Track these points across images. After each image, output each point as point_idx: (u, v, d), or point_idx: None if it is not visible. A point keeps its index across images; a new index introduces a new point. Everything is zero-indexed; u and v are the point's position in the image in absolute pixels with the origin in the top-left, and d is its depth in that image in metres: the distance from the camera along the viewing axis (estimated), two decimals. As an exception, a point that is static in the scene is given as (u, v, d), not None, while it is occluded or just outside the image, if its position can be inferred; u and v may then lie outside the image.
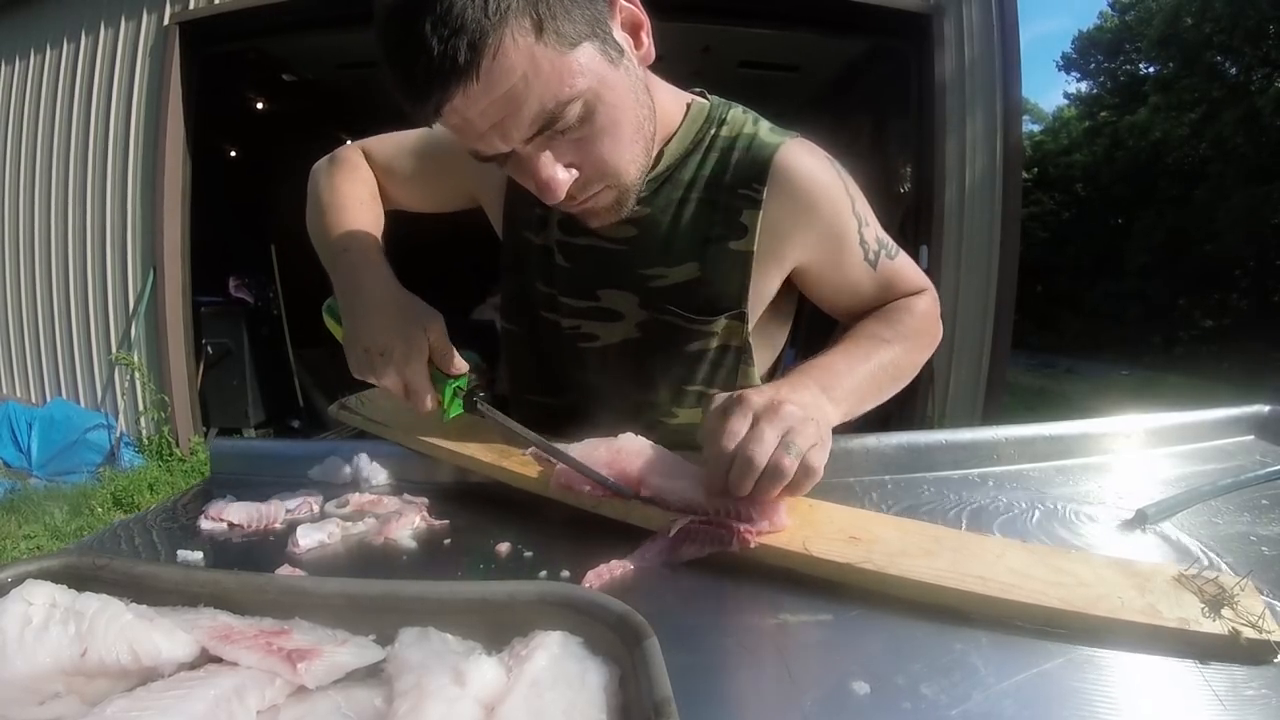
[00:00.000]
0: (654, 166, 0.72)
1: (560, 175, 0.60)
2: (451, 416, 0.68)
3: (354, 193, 0.83)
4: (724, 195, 0.73)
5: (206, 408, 4.33)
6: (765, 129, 0.74)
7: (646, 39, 0.63)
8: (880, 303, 0.80)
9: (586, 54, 0.56)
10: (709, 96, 0.78)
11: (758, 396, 0.55)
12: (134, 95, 3.92)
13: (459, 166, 0.83)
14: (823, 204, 0.72)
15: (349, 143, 0.90)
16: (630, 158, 0.64)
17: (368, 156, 0.89)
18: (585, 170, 0.61)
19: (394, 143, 0.88)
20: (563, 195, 0.60)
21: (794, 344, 0.92)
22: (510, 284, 0.86)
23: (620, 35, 0.60)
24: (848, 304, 0.81)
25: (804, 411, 0.55)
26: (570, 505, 0.61)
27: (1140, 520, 0.62)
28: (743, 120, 0.75)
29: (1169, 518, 0.62)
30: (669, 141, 0.73)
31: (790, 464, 0.51)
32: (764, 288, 0.77)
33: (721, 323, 0.76)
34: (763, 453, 0.51)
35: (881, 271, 0.78)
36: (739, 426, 0.53)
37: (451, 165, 0.84)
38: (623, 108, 0.60)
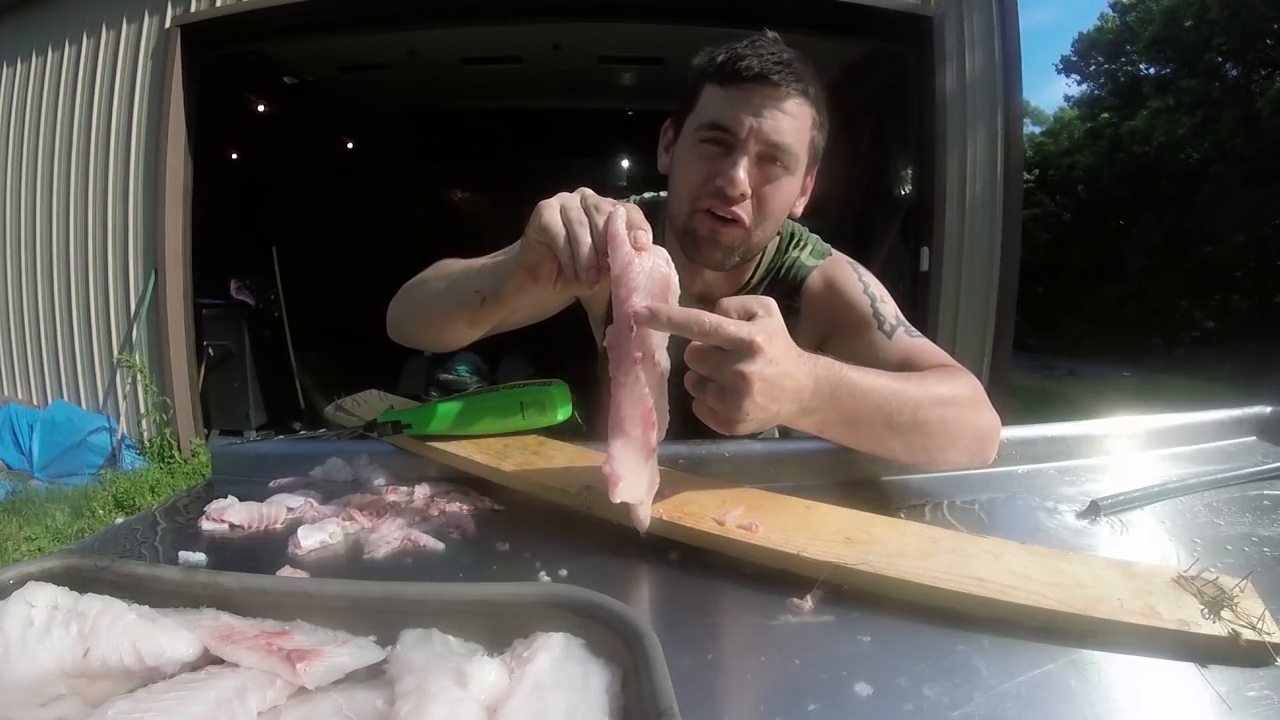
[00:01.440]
0: (747, 282, 0.93)
1: (747, 179, 0.79)
2: (383, 420, 0.76)
3: (449, 261, 0.85)
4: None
5: (208, 410, 4.33)
6: (808, 253, 0.94)
7: (803, 204, 0.90)
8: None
9: (808, 159, 0.84)
10: (783, 225, 0.94)
11: (761, 364, 0.53)
12: (135, 98, 3.92)
13: None
14: (839, 295, 0.89)
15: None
16: (768, 226, 0.85)
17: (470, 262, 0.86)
18: (752, 199, 0.81)
19: (496, 254, 0.85)
20: (743, 189, 0.79)
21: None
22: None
23: (805, 181, 0.88)
24: None
25: (769, 395, 0.55)
26: (567, 505, 0.61)
27: (1094, 511, 0.63)
28: (797, 253, 0.94)
29: (1123, 511, 0.63)
30: (760, 263, 0.94)
31: (716, 407, 0.55)
32: None
33: None
34: (712, 394, 0.55)
35: (899, 342, 0.81)
36: (728, 366, 0.53)
37: None
38: (787, 196, 0.84)
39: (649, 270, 0.54)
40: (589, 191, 0.60)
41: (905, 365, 0.77)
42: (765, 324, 0.54)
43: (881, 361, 0.79)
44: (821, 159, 0.88)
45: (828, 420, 0.62)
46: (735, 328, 0.53)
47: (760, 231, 0.84)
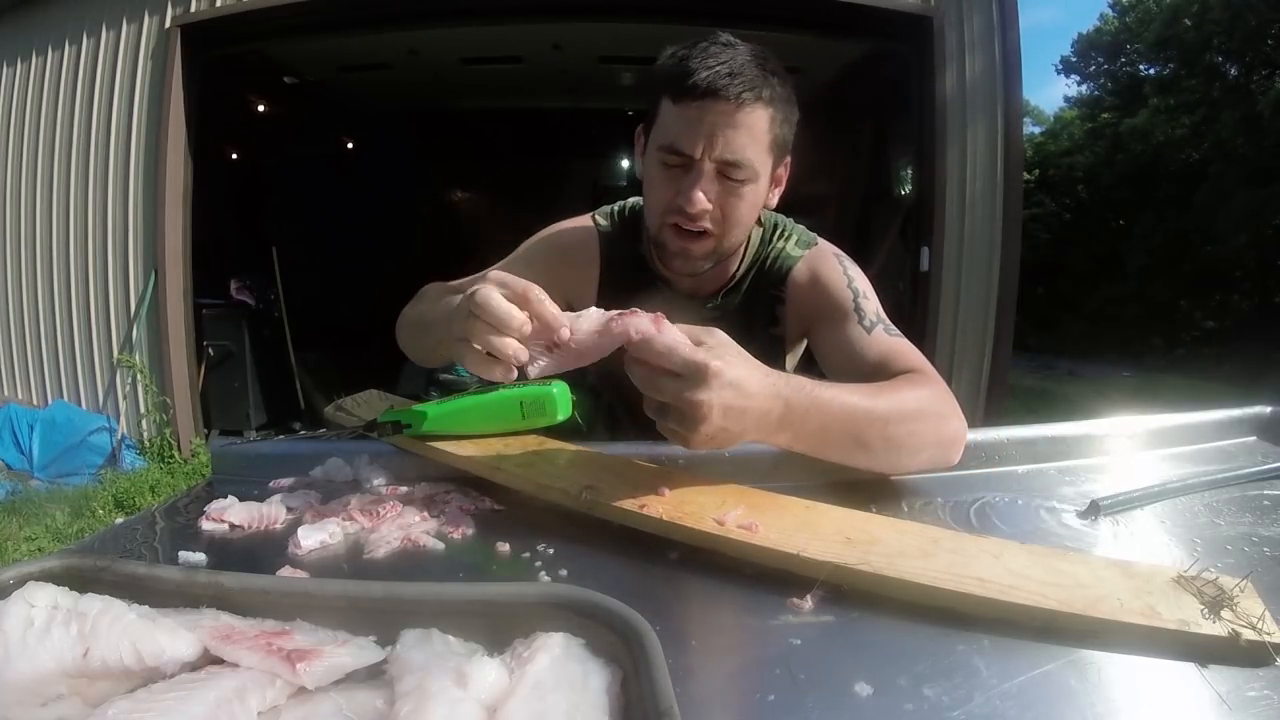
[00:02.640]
0: (733, 276, 0.96)
1: (705, 198, 0.81)
2: (383, 420, 0.76)
3: (433, 291, 0.92)
4: (763, 296, 0.96)
5: (208, 410, 4.33)
6: (793, 244, 0.96)
7: (777, 194, 0.90)
8: (878, 373, 0.79)
9: (773, 158, 0.84)
10: (765, 217, 0.97)
11: (714, 393, 0.56)
12: (135, 98, 3.92)
13: (555, 273, 0.93)
14: (823, 287, 0.91)
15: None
16: (738, 231, 0.86)
17: (452, 289, 0.90)
18: (716, 211, 0.82)
19: (475, 276, 0.89)
20: (703, 207, 0.81)
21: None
22: (603, 366, 0.86)
23: (776, 173, 0.88)
24: (847, 366, 0.84)
25: (724, 420, 0.57)
26: (567, 505, 0.61)
27: (1094, 511, 0.63)
28: (781, 244, 0.96)
29: (1123, 511, 0.63)
30: (744, 257, 0.95)
31: (677, 429, 0.58)
32: (792, 361, 1.01)
33: None
34: (665, 416, 0.58)
35: (877, 339, 0.83)
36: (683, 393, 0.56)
37: (548, 273, 0.88)
38: (754, 203, 0.85)
39: (594, 327, 0.57)
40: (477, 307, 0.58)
41: (881, 362, 0.80)
42: (717, 350, 0.56)
43: (859, 355, 0.82)
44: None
45: (798, 437, 0.64)
46: (690, 351, 0.55)
47: (730, 238, 0.87)
